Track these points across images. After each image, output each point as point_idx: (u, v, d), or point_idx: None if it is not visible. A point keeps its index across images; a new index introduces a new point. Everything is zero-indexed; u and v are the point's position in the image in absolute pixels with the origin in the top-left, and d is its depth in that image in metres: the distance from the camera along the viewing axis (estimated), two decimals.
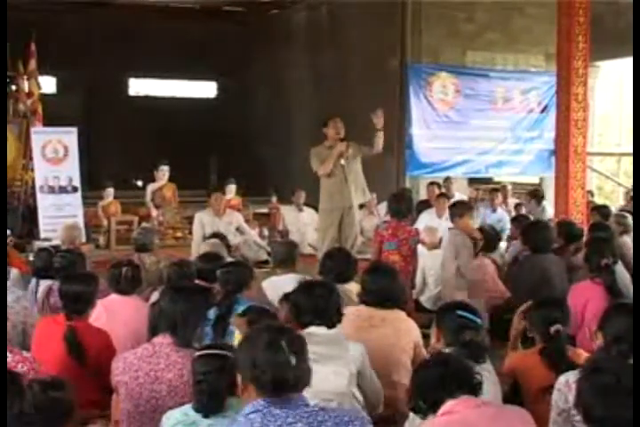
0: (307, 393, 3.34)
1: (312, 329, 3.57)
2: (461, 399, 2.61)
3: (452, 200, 9.69)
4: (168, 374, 3.31)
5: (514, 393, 3.59)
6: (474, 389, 2.68)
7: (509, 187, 11.64)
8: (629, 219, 7.33)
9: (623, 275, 5.55)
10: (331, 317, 3.64)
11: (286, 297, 4.16)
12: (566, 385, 3.04)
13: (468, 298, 5.61)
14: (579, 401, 2.49)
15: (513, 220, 8.37)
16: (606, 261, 5.12)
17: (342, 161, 7.33)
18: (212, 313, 4.24)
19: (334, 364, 3.47)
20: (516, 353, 3.93)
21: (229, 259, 6.35)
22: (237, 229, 8.71)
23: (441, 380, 2.66)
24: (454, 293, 5.69)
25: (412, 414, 3.35)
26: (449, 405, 2.61)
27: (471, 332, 3.37)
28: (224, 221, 8.47)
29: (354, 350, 3.57)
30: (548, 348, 3.62)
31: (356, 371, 3.55)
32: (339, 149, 7.32)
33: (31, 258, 6.85)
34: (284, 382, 2.41)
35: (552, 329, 3.61)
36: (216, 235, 7.15)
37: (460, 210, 5.93)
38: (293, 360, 2.42)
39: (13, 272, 5.68)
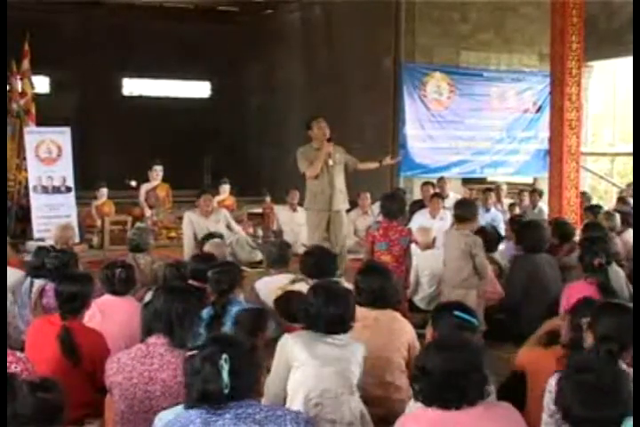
0: (312, 392, 3.37)
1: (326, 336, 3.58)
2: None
3: (447, 200, 9.73)
4: (162, 375, 3.30)
5: (512, 388, 3.57)
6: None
7: (503, 186, 11.64)
8: (617, 218, 7.38)
9: (618, 275, 5.56)
10: (348, 323, 3.64)
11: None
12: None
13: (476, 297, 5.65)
14: (559, 400, 2.49)
15: (510, 220, 8.37)
16: (600, 261, 5.12)
17: (330, 162, 7.30)
18: (205, 313, 4.23)
19: (340, 365, 3.48)
20: (533, 350, 3.87)
21: (229, 258, 6.36)
22: (228, 226, 8.69)
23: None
24: (465, 292, 5.68)
25: (411, 401, 3.35)
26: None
27: (467, 333, 3.34)
28: (212, 220, 8.45)
29: (357, 352, 3.58)
30: None
31: (359, 372, 3.56)
32: (327, 150, 7.29)
33: (26, 258, 6.83)
34: (210, 396, 2.48)
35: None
36: (213, 235, 7.11)
37: (470, 212, 5.93)
38: (225, 377, 2.46)
39: (18, 273, 5.66)
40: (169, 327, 3.41)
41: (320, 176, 7.32)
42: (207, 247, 6.43)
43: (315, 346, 3.49)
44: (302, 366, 3.45)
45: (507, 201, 11.24)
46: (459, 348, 2.67)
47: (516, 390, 3.51)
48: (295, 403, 3.43)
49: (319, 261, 5.06)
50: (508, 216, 10.33)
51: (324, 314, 3.58)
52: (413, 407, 3.39)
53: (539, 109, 13.17)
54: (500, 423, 2.62)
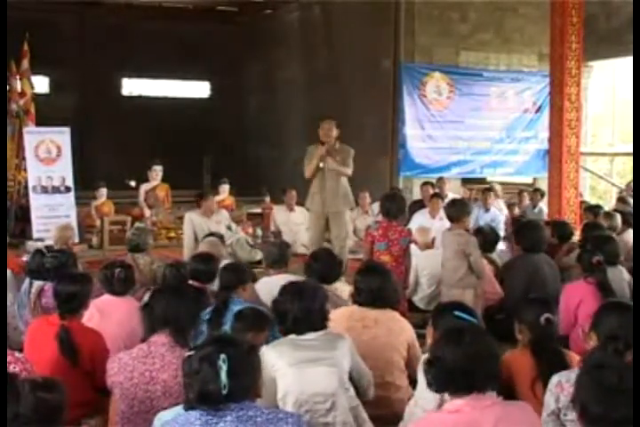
0: (300, 397, 3.36)
1: (299, 335, 3.57)
2: (470, 398, 2.55)
3: (446, 200, 9.71)
4: (163, 375, 3.30)
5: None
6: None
7: (497, 187, 11.61)
8: (617, 218, 7.37)
9: (621, 275, 5.55)
10: (317, 320, 3.62)
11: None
12: (558, 385, 3.02)
13: (473, 296, 5.63)
14: (576, 397, 2.41)
15: (512, 222, 8.36)
16: (598, 259, 5.11)
17: (321, 164, 7.33)
18: (206, 313, 4.23)
19: (325, 365, 3.46)
20: (509, 353, 3.88)
21: (226, 258, 6.32)
22: (228, 227, 8.68)
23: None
24: (461, 291, 5.67)
25: (412, 401, 3.35)
26: (457, 404, 2.55)
27: None
28: (213, 220, 8.44)
29: (342, 347, 3.56)
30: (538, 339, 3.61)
31: (348, 367, 3.55)
32: (319, 152, 7.32)
33: (24, 258, 6.83)
34: (209, 397, 2.47)
35: (542, 318, 3.58)
36: (213, 235, 7.10)
37: (460, 212, 5.93)
38: (224, 377, 2.45)
39: (7, 272, 5.66)
40: (171, 327, 3.41)
41: (316, 177, 7.35)
42: (202, 246, 6.39)
43: (291, 353, 3.46)
44: (284, 376, 3.43)
45: (500, 201, 11.22)
46: (471, 336, 2.66)
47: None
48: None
49: (325, 268, 5.03)
50: (505, 213, 10.36)
51: (291, 309, 3.58)
52: (413, 407, 3.41)
53: (538, 109, 13.17)
54: (517, 424, 2.58)
